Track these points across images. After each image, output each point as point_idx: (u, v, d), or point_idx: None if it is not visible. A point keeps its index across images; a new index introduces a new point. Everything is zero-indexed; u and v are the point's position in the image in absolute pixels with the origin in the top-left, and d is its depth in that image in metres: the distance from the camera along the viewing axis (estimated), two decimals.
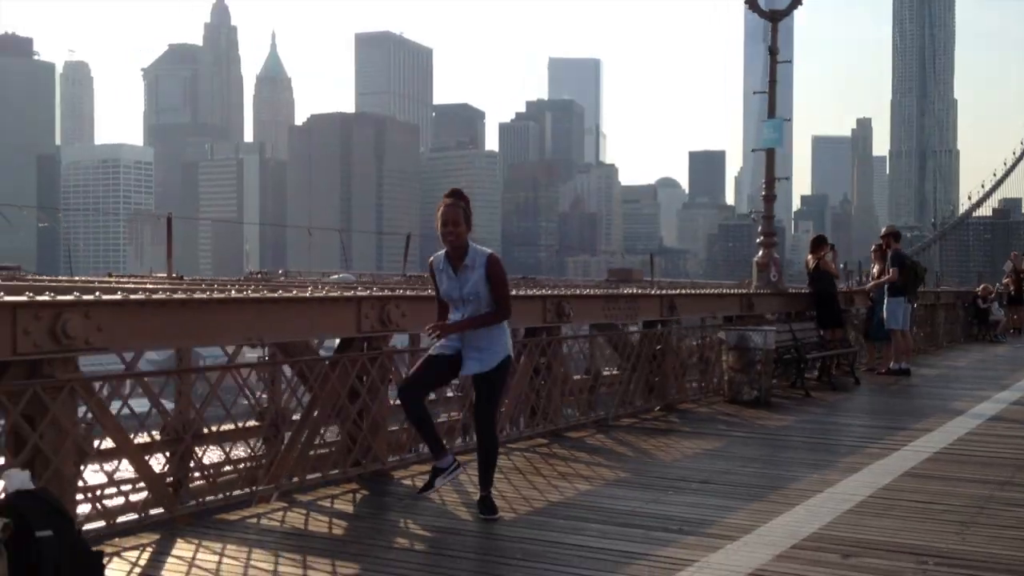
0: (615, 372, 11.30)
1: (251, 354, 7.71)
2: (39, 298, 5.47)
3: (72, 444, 5.68)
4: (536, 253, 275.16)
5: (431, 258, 6.60)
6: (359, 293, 7.57)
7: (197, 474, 6.73)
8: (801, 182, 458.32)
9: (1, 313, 5.30)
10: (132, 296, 6.07)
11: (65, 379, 5.60)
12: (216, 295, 6.58)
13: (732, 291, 15.17)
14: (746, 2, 16.19)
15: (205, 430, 7.21)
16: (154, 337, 6.23)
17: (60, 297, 5.60)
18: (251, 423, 7.09)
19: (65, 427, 5.63)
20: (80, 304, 5.64)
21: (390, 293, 7.89)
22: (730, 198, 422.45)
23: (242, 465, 6.98)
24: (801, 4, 16.20)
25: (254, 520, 6.46)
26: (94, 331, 5.69)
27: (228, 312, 6.66)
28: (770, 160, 16.80)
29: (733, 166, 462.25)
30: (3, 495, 4.80)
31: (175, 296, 6.31)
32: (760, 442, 10.00)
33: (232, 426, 7.15)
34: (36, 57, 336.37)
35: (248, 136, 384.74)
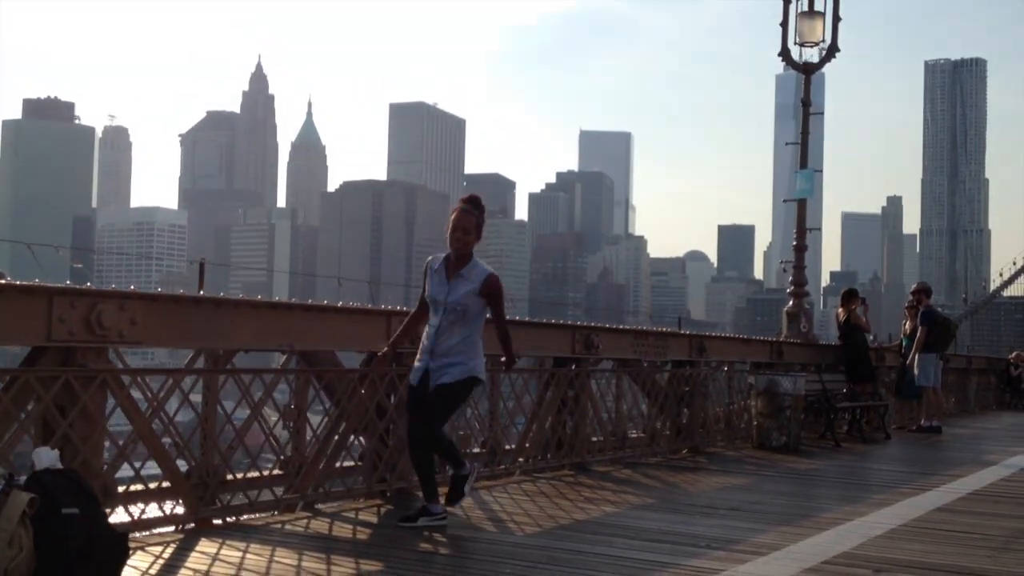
0: (642, 435, 11.17)
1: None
2: (76, 286, 5.54)
3: (101, 435, 5.71)
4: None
5: (430, 258, 6.52)
6: (389, 307, 7.60)
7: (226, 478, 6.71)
8: (831, 259, 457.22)
9: (37, 299, 5.38)
10: (166, 293, 6.14)
11: (98, 369, 5.65)
12: (248, 299, 6.63)
13: (761, 338, 15.08)
14: (780, 54, 16.40)
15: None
16: (186, 336, 6.28)
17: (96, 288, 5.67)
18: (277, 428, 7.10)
19: (95, 418, 5.66)
20: (115, 296, 5.71)
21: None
22: (759, 273, 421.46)
23: (268, 472, 6.97)
24: (835, 57, 16.40)
25: (278, 525, 6.44)
26: (128, 324, 5.75)
27: (260, 317, 6.71)
28: (801, 211, 16.84)
29: (762, 241, 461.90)
30: (32, 473, 4.82)
31: (209, 296, 6.37)
32: (789, 480, 9.88)
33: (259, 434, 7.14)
34: (77, 121, 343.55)
35: (281, 202, 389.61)
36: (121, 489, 5.96)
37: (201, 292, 7.18)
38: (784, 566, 5.64)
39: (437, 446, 6.58)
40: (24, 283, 5.42)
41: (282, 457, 7.09)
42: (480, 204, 6.49)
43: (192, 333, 6.32)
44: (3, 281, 5.37)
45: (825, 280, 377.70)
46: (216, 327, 6.40)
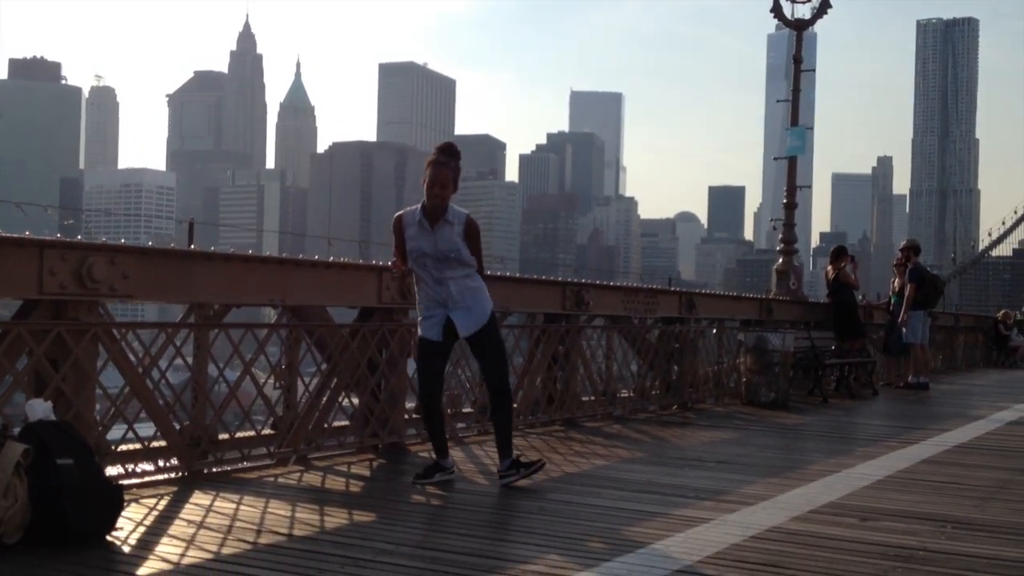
0: (631, 395, 11.23)
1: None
2: (66, 239, 5.54)
3: (93, 388, 5.73)
4: None
5: (400, 212, 6.37)
6: (380, 263, 7.60)
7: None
8: (821, 219, 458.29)
9: (28, 251, 5.39)
10: (158, 247, 6.15)
11: (90, 323, 5.66)
12: (239, 253, 6.63)
13: (751, 295, 15.14)
14: (772, 10, 16.34)
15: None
16: (177, 290, 6.29)
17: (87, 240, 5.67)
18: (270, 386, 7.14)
19: (88, 371, 5.68)
20: (106, 249, 5.72)
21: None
22: (749, 234, 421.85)
23: (261, 427, 7.01)
24: (827, 13, 16.33)
25: (271, 478, 6.49)
26: (119, 278, 5.75)
27: (251, 271, 6.72)
28: (792, 169, 16.85)
29: (752, 202, 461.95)
30: (25, 424, 4.85)
31: (200, 250, 6.38)
32: (777, 434, 9.96)
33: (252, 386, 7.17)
34: (64, 82, 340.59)
35: (271, 163, 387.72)
36: (114, 446, 5.99)
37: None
38: (772, 515, 5.71)
39: (507, 395, 6.55)
40: (14, 235, 5.42)
41: (272, 419, 7.13)
42: (456, 152, 6.33)
43: (183, 287, 6.33)
44: None
45: (815, 241, 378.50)
46: (207, 282, 6.41)
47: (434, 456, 6.58)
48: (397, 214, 6.43)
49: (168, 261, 6.17)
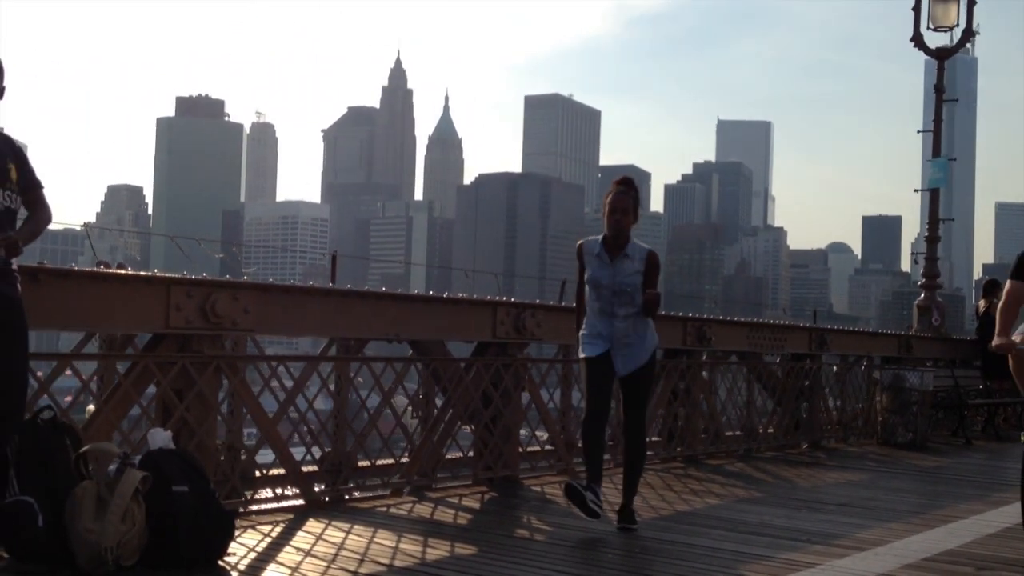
0: (760, 429, 11.01)
1: None
2: (191, 277, 5.87)
3: (215, 418, 6.03)
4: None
5: (582, 241, 6.39)
6: (495, 299, 7.74)
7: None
8: (983, 251, 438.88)
9: (156, 288, 5.73)
10: (278, 283, 6.43)
11: (213, 355, 5.96)
12: (355, 289, 6.87)
13: (888, 332, 14.65)
14: (912, 39, 15.88)
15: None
16: (297, 325, 6.56)
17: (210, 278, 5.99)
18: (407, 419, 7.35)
19: (210, 402, 5.98)
20: (228, 285, 6.02)
21: (527, 302, 8.03)
22: (905, 265, 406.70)
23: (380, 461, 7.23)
24: (971, 41, 15.78)
25: (383, 509, 6.67)
26: (241, 313, 6.05)
27: (368, 306, 6.95)
28: (934, 201, 16.28)
29: (910, 232, 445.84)
30: (146, 452, 5.14)
31: (318, 286, 6.64)
32: (909, 477, 9.61)
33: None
34: (227, 118, 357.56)
35: (419, 195, 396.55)
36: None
37: (331, 284, 7.45)
38: (884, 562, 5.54)
39: (640, 442, 6.47)
40: (144, 273, 5.78)
41: (404, 449, 7.31)
42: (634, 185, 6.38)
43: (304, 321, 6.60)
44: (124, 271, 5.74)
45: (977, 273, 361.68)
46: (326, 317, 6.67)
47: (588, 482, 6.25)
48: (580, 242, 6.47)
49: (287, 297, 6.45)
